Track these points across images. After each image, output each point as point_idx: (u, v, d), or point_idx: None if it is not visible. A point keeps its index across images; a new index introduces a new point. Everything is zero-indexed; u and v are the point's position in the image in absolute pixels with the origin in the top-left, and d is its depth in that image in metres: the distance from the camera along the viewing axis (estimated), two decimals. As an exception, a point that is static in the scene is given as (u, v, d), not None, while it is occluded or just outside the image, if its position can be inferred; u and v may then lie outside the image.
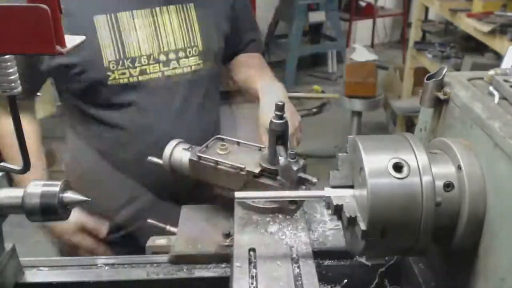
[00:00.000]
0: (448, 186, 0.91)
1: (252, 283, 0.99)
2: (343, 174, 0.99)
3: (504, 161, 0.82)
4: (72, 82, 1.49)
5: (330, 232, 1.23)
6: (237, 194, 1.00)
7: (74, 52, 1.41)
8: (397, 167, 0.87)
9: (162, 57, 1.50)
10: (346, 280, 1.16)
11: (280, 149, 1.16)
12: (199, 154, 1.25)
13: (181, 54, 1.52)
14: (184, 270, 1.17)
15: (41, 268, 1.19)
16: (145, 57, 1.47)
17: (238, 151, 1.28)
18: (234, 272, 1.02)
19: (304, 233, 1.14)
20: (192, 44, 1.53)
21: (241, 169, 1.20)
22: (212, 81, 1.64)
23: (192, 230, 1.27)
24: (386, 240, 0.89)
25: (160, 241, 1.33)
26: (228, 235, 1.21)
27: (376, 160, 0.88)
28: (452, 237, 0.93)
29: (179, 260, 1.19)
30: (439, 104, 1.07)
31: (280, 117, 1.15)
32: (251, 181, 1.21)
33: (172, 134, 1.37)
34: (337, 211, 0.94)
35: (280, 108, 1.15)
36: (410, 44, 4.73)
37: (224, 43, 1.65)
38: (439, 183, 0.89)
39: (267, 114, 1.38)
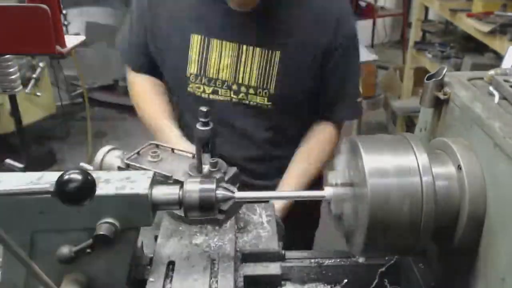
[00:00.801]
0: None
1: None
2: (343, 173, 0.99)
3: (504, 161, 0.82)
4: (166, 78, 1.74)
5: (264, 234, 1.21)
6: (237, 194, 1.00)
7: (169, 55, 1.62)
8: (397, 167, 0.88)
9: (235, 87, 1.61)
10: (346, 280, 1.16)
11: (205, 157, 1.15)
12: (127, 161, 1.23)
13: (251, 90, 1.60)
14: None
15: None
16: (220, 81, 1.61)
17: (170, 159, 1.26)
18: (147, 287, 1.01)
19: (230, 246, 1.11)
20: (264, 86, 1.59)
21: (169, 178, 1.17)
22: (282, 122, 1.67)
23: None
24: (386, 240, 0.89)
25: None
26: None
27: (376, 160, 0.88)
28: (452, 237, 0.93)
29: None
30: (439, 104, 1.07)
31: (205, 124, 1.13)
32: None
33: (230, 152, 1.54)
34: (337, 210, 0.94)
35: (204, 114, 1.13)
36: (410, 44, 4.72)
37: (308, 95, 1.64)
38: (439, 183, 0.89)
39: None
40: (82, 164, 1.34)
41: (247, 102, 1.61)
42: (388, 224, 0.86)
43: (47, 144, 4.67)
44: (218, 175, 1.13)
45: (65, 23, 4.47)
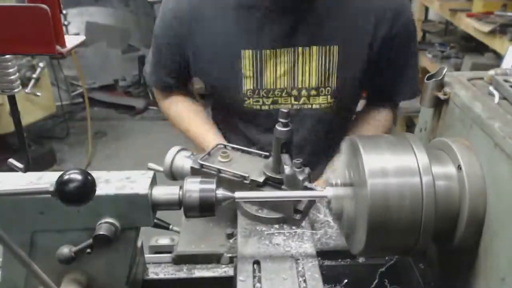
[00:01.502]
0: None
1: None
2: (342, 173, 0.99)
3: (504, 161, 0.82)
4: (216, 98, 1.71)
5: (332, 232, 1.23)
6: (237, 194, 1.00)
7: (219, 77, 1.57)
8: (397, 162, 0.88)
9: (294, 92, 1.58)
10: (346, 280, 1.16)
11: (285, 157, 1.14)
12: (201, 161, 1.23)
13: (313, 92, 1.58)
14: (184, 270, 1.17)
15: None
16: (279, 90, 1.58)
17: (241, 159, 1.26)
18: (238, 286, 1.00)
19: (310, 245, 1.12)
20: (326, 84, 1.57)
21: (245, 178, 1.18)
22: (341, 120, 1.69)
23: (195, 230, 1.26)
24: (386, 240, 0.89)
25: (163, 240, 1.32)
26: (231, 235, 1.21)
27: (376, 160, 0.88)
28: (452, 237, 0.93)
29: (182, 259, 1.19)
30: (439, 104, 1.07)
31: (285, 125, 1.14)
32: (255, 190, 1.19)
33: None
34: (337, 210, 0.94)
35: (285, 115, 1.13)
36: (410, 44, 4.71)
37: (362, 82, 1.63)
38: (439, 183, 0.89)
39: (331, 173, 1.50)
40: (150, 164, 1.35)
41: (309, 105, 1.59)
42: (388, 224, 0.86)
43: (47, 144, 4.67)
44: (302, 176, 1.13)
45: (65, 23, 4.48)
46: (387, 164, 0.88)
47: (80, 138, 4.94)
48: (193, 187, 0.97)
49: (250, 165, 1.23)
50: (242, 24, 1.53)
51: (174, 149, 1.33)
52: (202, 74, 1.64)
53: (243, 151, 1.30)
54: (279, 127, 1.14)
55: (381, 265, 1.13)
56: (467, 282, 0.94)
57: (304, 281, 1.01)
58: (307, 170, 1.17)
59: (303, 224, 1.19)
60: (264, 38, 1.53)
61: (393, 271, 1.14)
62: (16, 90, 0.87)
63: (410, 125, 4.59)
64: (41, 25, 0.74)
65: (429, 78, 1.06)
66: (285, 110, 1.13)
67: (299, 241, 1.13)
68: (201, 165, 1.23)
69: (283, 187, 1.16)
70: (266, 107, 1.60)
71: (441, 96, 1.05)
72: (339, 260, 1.18)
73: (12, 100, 0.89)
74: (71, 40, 0.82)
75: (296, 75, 1.56)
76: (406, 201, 0.86)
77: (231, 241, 1.20)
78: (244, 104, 1.60)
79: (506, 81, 0.97)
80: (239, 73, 1.56)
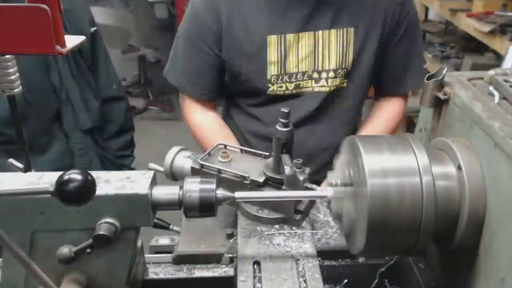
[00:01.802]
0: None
1: None
2: (343, 173, 0.99)
3: (504, 161, 0.82)
4: (238, 85, 1.70)
5: (333, 232, 1.23)
6: (237, 194, 1.00)
7: (244, 64, 1.59)
8: (397, 162, 0.88)
9: (315, 75, 1.64)
10: (346, 280, 1.16)
11: (285, 157, 1.14)
12: (201, 162, 1.23)
13: (331, 74, 1.64)
14: (184, 270, 1.17)
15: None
16: (301, 73, 1.63)
17: (241, 159, 1.27)
18: (238, 286, 1.00)
19: (310, 245, 1.12)
20: (343, 66, 1.63)
21: (245, 178, 1.18)
22: (353, 101, 1.72)
23: (195, 230, 1.26)
24: (386, 240, 0.89)
25: (163, 240, 1.32)
26: (231, 235, 1.21)
27: (376, 160, 0.88)
28: (452, 237, 0.93)
29: (182, 259, 1.19)
30: (439, 104, 1.07)
31: (286, 125, 1.14)
32: (255, 190, 1.19)
33: (303, 138, 1.62)
34: (337, 210, 0.94)
35: (285, 116, 1.13)
36: (410, 44, 4.72)
37: (374, 67, 1.69)
38: (439, 183, 0.89)
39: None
40: (151, 164, 1.35)
41: (327, 87, 1.64)
42: (388, 224, 0.86)
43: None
44: (303, 176, 1.13)
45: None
46: (387, 164, 0.88)
47: (80, 138, 4.94)
48: (193, 187, 0.97)
49: (250, 165, 1.23)
50: (267, 10, 1.58)
51: (174, 149, 1.33)
52: (227, 62, 1.65)
53: (243, 151, 1.30)
54: (279, 127, 1.14)
55: (381, 265, 1.13)
56: (467, 282, 0.94)
57: (305, 281, 1.01)
58: (307, 170, 1.17)
59: (303, 224, 1.19)
60: (288, 23, 1.58)
61: (393, 271, 1.14)
62: (16, 90, 0.87)
63: (410, 125, 4.58)
64: (41, 25, 0.74)
65: (429, 78, 1.06)
66: (286, 110, 1.13)
67: (299, 242, 1.13)
68: (201, 165, 1.23)
69: (283, 187, 1.16)
70: (289, 92, 1.64)
71: (441, 96, 1.05)
72: (339, 260, 1.18)
73: (12, 100, 0.90)
74: (71, 40, 0.82)
75: (317, 58, 1.62)
76: (406, 201, 0.86)
77: (231, 241, 1.20)
78: (268, 90, 1.64)
79: (506, 81, 0.97)
80: (265, 59, 1.60)
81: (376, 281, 1.12)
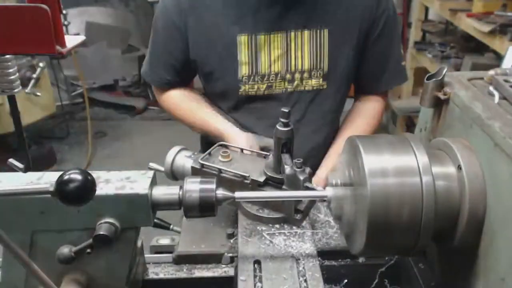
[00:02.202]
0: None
1: None
2: (343, 173, 0.99)
3: (504, 161, 0.82)
4: (211, 85, 1.68)
5: (333, 232, 1.23)
6: (237, 194, 1.00)
7: (216, 63, 1.57)
8: (396, 162, 0.88)
9: (288, 76, 1.62)
10: (346, 280, 1.16)
11: (285, 157, 1.14)
12: (201, 161, 1.23)
13: (305, 75, 1.61)
14: (184, 270, 1.17)
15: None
16: (273, 74, 1.61)
17: (241, 159, 1.27)
18: (239, 286, 1.00)
19: (310, 244, 1.12)
20: (318, 67, 1.61)
21: (245, 178, 1.18)
22: (334, 102, 1.71)
23: (196, 229, 1.27)
24: (386, 240, 0.89)
25: (163, 240, 1.32)
26: (232, 235, 1.21)
27: (376, 160, 0.88)
28: (452, 237, 0.93)
29: (182, 259, 1.19)
30: (439, 104, 1.07)
31: (286, 125, 1.14)
32: (255, 189, 1.19)
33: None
34: (337, 210, 0.94)
35: (286, 115, 1.13)
36: (410, 44, 4.72)
37: (352, 70, 1.68)
38: (439, 183, 0.89)
39: (319, 176, 1.59)
40: (151, 164, 1.35)
41: (302, 88, 1.63)
42: (388, 224, 0.86)
43: (47, 144, 4.67)
44: (303, 176, 1.13)
45: (65, 23, 4.48)
46: (387, 164, 0.88)
47: (80, 138, 4.94)
48: (193, 187, 0.97)
49: (251, 165, 1.23)
50: (237, 10, 1.56)
51: (175, 149, 1.33)
52: (199, 61, 1.64)
53: (243, 150, 1.30)
54: (279, 127, 1.14)
55: (381, 265, 1.13)
56: (467, 282, 0.94)
57: (305, 280, 1.01)
58: (307, 170, 1.17)
59: (304, 224, 1.19)
60: (259, 23, 1.56)
61: (393, 271, 1.14)
62: (16, 90, 0.87)
63: (410, 125, 4.58)
64: (41, 25, 0.74)
65: (429, 78, 1.06)
66: (286, 110, 1.13)
67: (299, 241, 1.14)
68: (202, 165, 1.23)
69: (283, 187, 1.16)
70: (261, 93, 1.62)
71: (441, 96, 1.05)
72: (339, 260, 1.18)
73: (12, 100, 0.89)
74: (71, 40, 0.82)
75: (290, 59, 1.60)
76: (406, 201, 0.86)
77: (231, 241, 1.20)
78: (240, 90, 1.62)
79: (506, 81, 0.97)
80: (235, 58, 1.58)
81: (376, 281, 1.12)
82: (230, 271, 1.15)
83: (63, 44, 0.79)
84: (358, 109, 1.78)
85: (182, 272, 1.17)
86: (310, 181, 1.16)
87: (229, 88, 1.64)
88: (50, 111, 4.14)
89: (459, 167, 0.91)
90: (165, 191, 0.98)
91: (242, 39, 1.57)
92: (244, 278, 1.02)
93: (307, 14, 1.57)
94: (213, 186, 0.97)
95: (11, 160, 1.00)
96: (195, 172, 1.24)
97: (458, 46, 4.25)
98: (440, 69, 1.07)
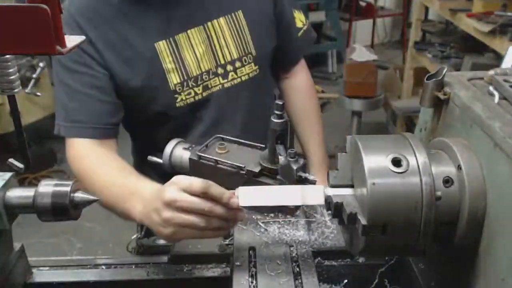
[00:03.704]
0: (447, 182, 0.91)
1: (252, 282, 1.00)
2: (343, 173, 0.99)
3: (504, 161, 0.82)
4: (143, 111, 1.53)
5: (329, 232, 1.24)
6: (241, 189, 1.01)
7: (142, 82, 1.42)
8: (396, 162, 0.88)
9: (220, 70, 1.54)
10: (346, 280, 1.16)
11: (280, 148, 1.16)
12: (199, 153, 1.25)
13: (237, 64, 1.55)
14: (184, 270, 1.17)
15: (41, 268, 1.19)
16: (205, 73, 1.52)
17: (238, 151, 1.28)
18: (234, 271, 1.03)
19: (304, 232, 1.15)
20: (247, 51, 1.56)
21: (241, 169, 1.20)
22: (269, 83, 1.69)
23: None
24: (386, 239, 0.89)
25: (160, 240, 1.32)
26: (228, 235, 1.21)
27: (376, 160, 0.88)
28: (452, 237, 0.93)
29: (179, 260, 1.19)
30: (439, 104, 1.07)
31: (280, 117, 1.15)
32: (251, 180, 1.20)
33: (240, 136, 1.38)
34: (337, 209, 0.94)
35: (280, 107, 1.14)
36: (410, 44, 4.72)
37: (276, 43, 1.65)
38: (439, 182, 0.89)
39: None
40: (150, 157, 1.35)
41: (238, 80, 1.56)
42: (388, 225, 0.86)
43: (47, 144, 4.66)
44: (296, 166, 1.14)
45: (65, 23, 4.48)
46: (387, 164, 0.88)
47: (80, 138, 4.94)
48: (46, 190, 0.97)
49: (247, 156, 1.25)
50: (143, 17, 1.44)
51: (173, 141, 1.34)
52: (121, 89, 1.46)
53: (240, 143, 1.32)
54: (274, 119, 1.15)
55: (381, 265, 1.13)
56: (467, 282, 0.94)
57: (298, 266, 1.05)
58: (302, 160, 1.18)
59: (298, 213, 1.22)
60: (172, 24, 1.47)
61: (393, 271, 1.14)
62: (16, 90, 0.87)
63: (410, 125, 4.59)
64: (41, 25, 0.74)
65: (429, 78, 1.06)
66: (280, 102, 1.14)
67: (293, 229, 1.17)
68: (199, 157, 1.25)
69: (278, 177, 1.17)
70: (199, 97, 1.52)
71: (441, 96, 1.05)
72: (339, 260, 1.18)
73: (12, 100, 0.90)
74: (71, 40, 0.82)
75: (215, 51, 1.52)
76: (406, 201, 0.86)
77: (227, 240, 1.21)
78: (177, 102, 1.49)
79: (506, 81, 0.97)
80: (161, 69, 1.46)
81: (376, 281, 1.12)
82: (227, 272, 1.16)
83: (63, 44, 0.79)
84: (291, 91, 1.78)
85: (182, 272, 1.17)
86: (304, 171, 1.17)
87: (165, 105, 1.49)
88: (50, 111, 4.14)
89: (459, 167, 0.91)
90: (20, 194, 0.98)
91: (161, 45, 1.45)
92: (239, 263, 1.05)
93: (215, 1, 1.51)
94: (68, 189, 0.97)
95: (11, 160, 1.00)
96: (192, 164, 1.26)
97: (458, 46, 4.26)
98: (440, 69, 1.06)
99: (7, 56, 0.84)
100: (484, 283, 0.89)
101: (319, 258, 1.18)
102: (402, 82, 4.87)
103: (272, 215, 1.21)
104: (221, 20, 1.52)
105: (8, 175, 1.00)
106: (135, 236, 1.45)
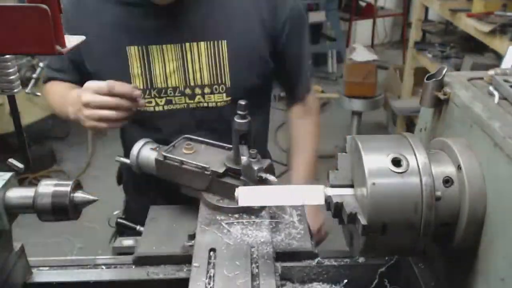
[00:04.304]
0: (447, 182, 0.91)
1: (209, 283, 1.00)
2: (343, 173, 0.99)
3: (504, 161, 0.82)
4: None
5: (296, 233, 1.23)
6: (241, 189, 1.01)
7: (107, 78, 1.41)
8: (396, 162, 0.88)
9: (188, 91, 1.53)
10: (346, 280, 1.16)
11: (243, 148, 1.16)
12: (164, 153, 1.25)
13: (206, 90, 1.54)
14: (185, 270, 1.17)
15: (41, 268, 1.19)
16: (171, 89, 1.53)
17: (205, 151, 1.29)
18: (192, 272, 1.02)
19: (266, 233, 1.14)
20: (220, 81, 1.53)
21: (206, 169, 1.21)
22: (255, 115, 1.66)
23: (157, 230, 1.28)
24: (386, 238, 0.89)
25: (127, 241, 1.33)
26: (193, 236, 1.20)
27: (376, 160, 0.88)
28: (452, 237, 0.93)
29: (142, 261, 1.19)
30: (439, 104, 1.07)
31: (243, 117, 1.15)
32: (215, 180, 1.22)
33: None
34: (337, 209, 0.94)
35: (242, 107, 1.14)
36: (410, 44, 4.72)
37: (266, 81, 1.64)
38: (439, 183, 0.89)
39: (313, 219, 1.58)
40: (118, 157, 1.41)
41: (205, 104, 1.54)
42: (388, 225, 0.86)
43: (47, 144, 4.67)
44: (257, 166, 1.14)
45: (65, 23, 4.48)
46: (387, 164, 0.88)
47: (80, 138, 4.94)
48: (46, 190, 0.97)
49: (213, 156, 1.26)
50: (125, 20, 1.49)
51: (141, 141, 1.36)
52: (92, 74, 1.54)
53: (207, 143, 1.33)
54: (237, 119, 1.15)
55: (381, 265, 1.13)
56: (467, 282, 0.94)
57: (257, 267, 1.04)
58: (267, 162, 1.19)
59: (262, 213, 1.21)
60: (149, 34, 1.49)
61: (393, 271, 1.14)
62: (16, 90, 0.87)
63: (410, 125, 4.59)
64: (41, 25, 0.74)
65: (429, 78, 1.06)
66: (243, 102, 1.14)
67: (256, 230, 1.16)
68: (165, 157, 1.25)
69: (241, 177, 1.18)
70: (160, 108, 1.54)
71: (441, 96, 1.05)
72: (339, 260, 1.18)
73: (12, 100, 0.90)
74: (71, 40, 0.82)
75: (187, 72, 1.51)
76: (406, 201, 0.86)
77: (193, 241, 1.20)
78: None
79: (506, 81, 0.97)
80: (128, 72, 1.50)
81: (376, 281, 1.12)
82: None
83: (63, 44, 0.79)
84: (293, 125, 1.79)
85: (182, 272, 1.16)
86: (267, 172, 1.17)
87: None
88: (50, 111, 4.11)
89: (459, 167, 0.91)
90: (20, 194, 0.98)
91: (133, 50, 1.48)
92: (197, 264, 1.04)
93: (202, 25, 1.50)
94: (68, 189, 0.97)
95: (11, 160, 1.00)
96: (158, 164, 1.27)
97: (458, 46, 4.26)
98: (440, 69, 1.06)
99: (7, 56, 0.84)
100: (484, 283, 0.89)
101: (318, 259, 1.18)
102: (402, 82, 4.87)
103: (236, 216, 1.19)
104: (201, 44, 1.50)
105: (8, 175, 1.00)
106: (116, 212, 1.62)
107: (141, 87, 1.51)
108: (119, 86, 1.33)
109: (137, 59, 1.50)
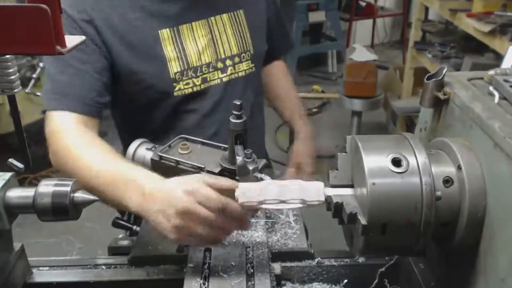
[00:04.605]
0: (447, 181, 0.91)
1: (204, 284, 1.00)
2: (343, 173, 0.99)
3: (504, 161, 0.82)
4: (140, 97, 1.53)
5: (292, 233, 1.23)
6: (241, 185, 1.01)
7: (143, 67, 1.45)
8: (396, 162, 0.88)
9: (220, 64, 1.58)
10: (346, 280, 1.16)
11: (238, 148, 1.16)
12: (160, 153, 1.25)
13: (236, 59, 1.61)
14: (185, 270, 1.17)
15: (41, 268, 1.19)
16: (205, 65, 1.56)
17: (200, 151, 1.28)
18: (186, 272, 1.03)
19: (262, 233, 1.15)
20: (245, 49, 1.63)
21: (201, 169, 1.20)
22: (260, 82, 1.76)
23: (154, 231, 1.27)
24: (386, 240, 0.89)
25: (123, 242, 1.33)
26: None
27: (376, 160, 0.88)
28: (452, 237, 0.93)
29: (138, 261, 1.19)
30: (439, 104, 1.07)
31: (239, 117, 1.15)
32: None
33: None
34: (337, 209, 0.94)
35: (238, 107, 1.14)
36: (410, 44, 4.72)
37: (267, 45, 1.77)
38: (439, 183, 0.89)
39: (300, 154, 1.75)
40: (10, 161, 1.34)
41: (236, 75, 1.62)
42: (387, 224, 0.86)
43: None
44: (252, 166, 1.14)
45: (65, 23, 4.47)
46: (387, 164, 0.88)
47: (80, 138, 4.93)
48: (46, 190, 0.98)
49: (208, 156, 1.25)
50: (153, 5, 1.48)
51: (137, 141, 1.34)
52: (122, 71, 1.46)
53: (203, 143, 1.32)
54: (232, 119, 1.15)
55: (381, 265, 1.13)
56: (467, 282, 0.94)
57: (252, 267, 1.05)
58: (262, 161, 1.18)
59: (258, 214, 1.21)
60: (177, 15, 1.51)
61: (393, 271, 1.14)
62: (16, 90, 0.87)
63: (410, 125, 4.59)
64: (41, 25, 0.74)
65: (429, 78, 1.06)
66: (238, 102, 1.14)
67: (252, 230, 1.17)
68: (161, 157, 1.25)
69: (236, 177, 1.17)
70: (198, 88, 1.55)
71: (441, 96, 1.05)
72: (339, 260, 1.19)
73: (12, 100, 0.90)
74: (71, 40, 0.82)
75: (217, 46, 1.58)
76: (406, 201, 0.86)
77: None
78: (175, 91, 1.51)
79: (506, 81, 0.97)
80: (163, 56, 1.48)
81: (376, 281, 1.12)
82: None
83: (63, 44, 0.79)
84: (272, 73, 1.90)
85: (183, 272, 1.16)
86: (262, 172, 1.16)
87: (164, 92, 1.50)
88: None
89: (459, 167, 0.91)
90: (20, 194, 0.98)
91: (165, 33, 1.48)
92: (193, 264, 1.05)
93: None
94: (68, 189, 0.97)
95: (11, 160, 1.00)
96: (154, 164, 1.26)
97: (458, 46, 4.25)
98: (440, 69, 1.07)
99: (7, 56, 0.84)
100: (484, 283, 0.89)
101: (318, 259, 1.18)
102: (402, 82, 4.87)
103: None
104: (224, 16, 1.59)
105: (8, 175, 1.00)
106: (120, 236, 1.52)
107: (178, 69, 1.50)
108: (233, 205, 1.02)
109: (170, 41, 1.50)
